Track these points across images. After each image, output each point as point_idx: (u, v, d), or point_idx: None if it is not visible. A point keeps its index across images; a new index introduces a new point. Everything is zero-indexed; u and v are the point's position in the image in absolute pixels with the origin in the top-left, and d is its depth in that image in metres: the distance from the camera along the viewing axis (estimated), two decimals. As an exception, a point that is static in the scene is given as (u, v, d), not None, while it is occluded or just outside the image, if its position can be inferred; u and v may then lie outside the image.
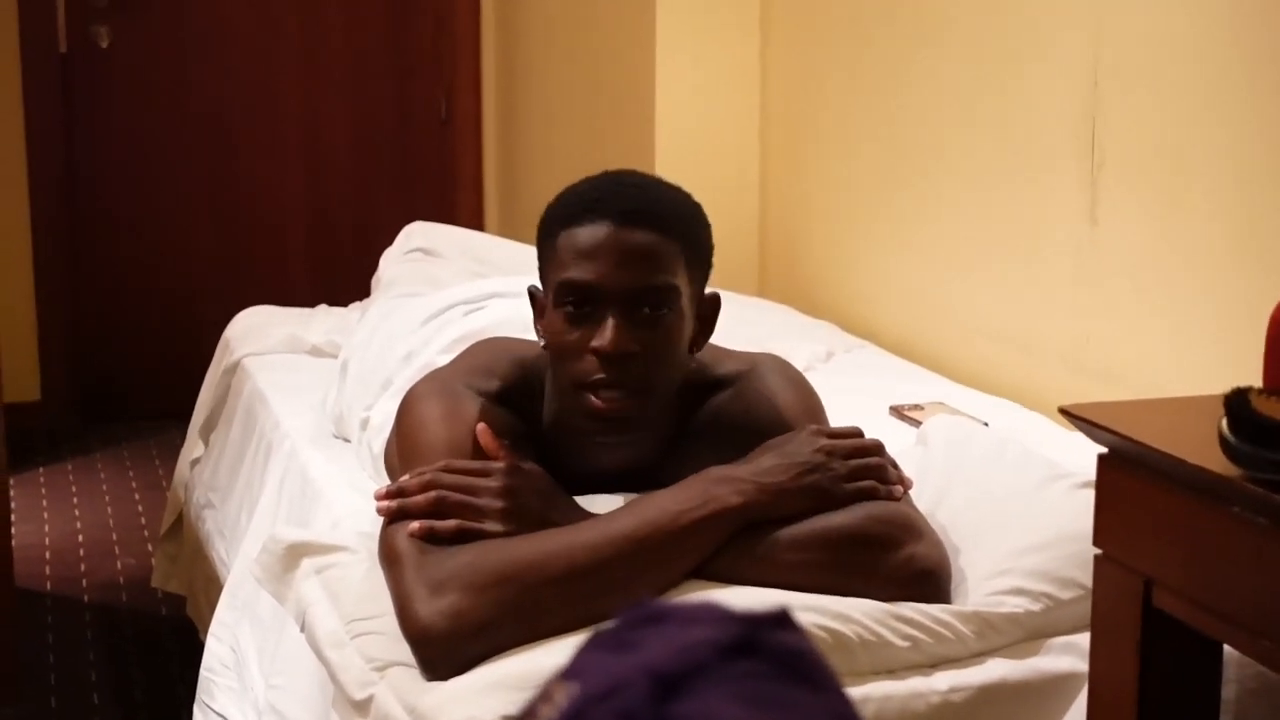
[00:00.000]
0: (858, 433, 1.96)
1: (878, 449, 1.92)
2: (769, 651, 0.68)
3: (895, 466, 1.94)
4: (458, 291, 2.70)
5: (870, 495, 1.86)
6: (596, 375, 1.85)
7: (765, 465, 1.86)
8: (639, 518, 1.79)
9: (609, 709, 0.60)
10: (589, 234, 1.87)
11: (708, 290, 1.98)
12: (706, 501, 1.81)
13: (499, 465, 1.86)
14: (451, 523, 1.80)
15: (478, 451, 1.90)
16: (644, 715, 0.59)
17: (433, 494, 1.81)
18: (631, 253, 1.86)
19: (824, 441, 1.89)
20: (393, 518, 1.82)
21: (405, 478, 1.86)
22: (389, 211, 5.32)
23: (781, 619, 0.71)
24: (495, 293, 2.63)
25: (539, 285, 1.98)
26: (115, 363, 5.20)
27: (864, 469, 1.88)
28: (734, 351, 2.13)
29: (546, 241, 1.92)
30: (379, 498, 1.85)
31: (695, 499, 1.81)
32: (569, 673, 0.69)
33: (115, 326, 5.20)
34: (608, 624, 0.72)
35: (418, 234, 3.30)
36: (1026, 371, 3.00)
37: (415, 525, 1.79)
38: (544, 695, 0.69)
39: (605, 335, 1.84)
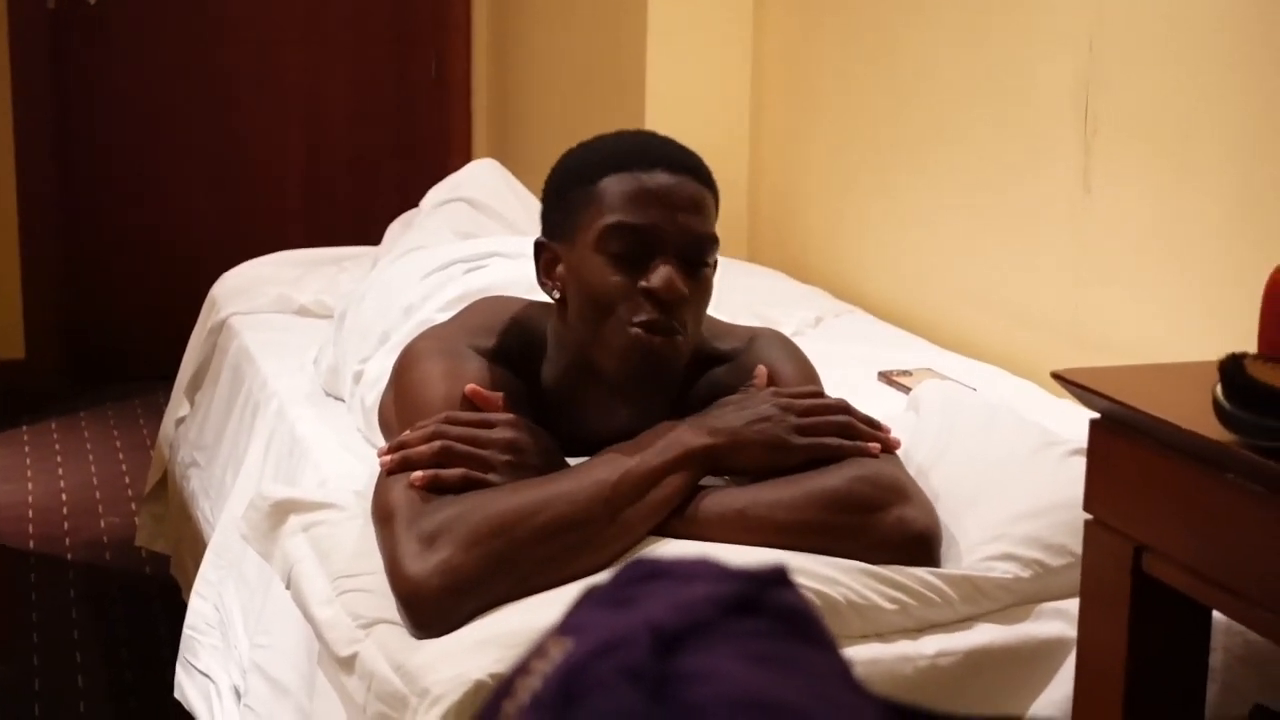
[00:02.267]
0: (820, 393, 1.96)
1: (841, 408, 1.92)
2: (770, 609, 0.67)
3: (876, 426, 1.94)
4: (459, 248, 2.69)
5: (829, 450, 1.87)
6: (646, 316, 1.85)
7: (719, 413, 1.89)
8: (610, 466, 1.81)
9: (610, 664, 0.59)
10: (645, 180, 1.87)
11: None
12: (669, 445, 1.83)
13: (503, 417, 1.86)
14: (457, 471, 1.79)
15: (476, 410, 1.89)
16: (646, 670, 0.58)
17: (437, 444, 1.81)
18: (689, 201, 1.88)
19: (780, 399, 1.91)
20: (395, 469, 1.80)
21: (407, 433, 1.85)
22: (383, 172, 5.31)
23: (780, 576, 0.71)
24: (496, 252, 2.62)
25: (544, 238, 1.97)
26: (102, 321, 5.17)
27: (824, 424, 1.89)
28: (734, 325, 2.14)
29: (578, 188, 1.91)
30: (381, 454, 1.84)
31: (659, 445, 1.83)
32: (565, 628, 0.68)
33: (103, 285, 5.17)
34: (602, 580, 0.72)
35: (475, 180, 3.27)
36: (1017, 339, 3.00)
37: (419, 474, 1.78)
38: (538, 651, 0.68)
39: (661, 279, 1.84)
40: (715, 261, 1.93)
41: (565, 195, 1.93)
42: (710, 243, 1.90)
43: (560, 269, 1.93)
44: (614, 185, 1.88)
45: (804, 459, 1.87)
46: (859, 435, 1.90)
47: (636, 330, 1.85)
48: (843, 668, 0.67)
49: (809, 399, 1.92)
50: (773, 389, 1.95)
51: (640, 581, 0.68)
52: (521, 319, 2.04)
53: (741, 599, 0.66)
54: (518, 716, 0.64)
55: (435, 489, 1.78)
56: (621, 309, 1.86)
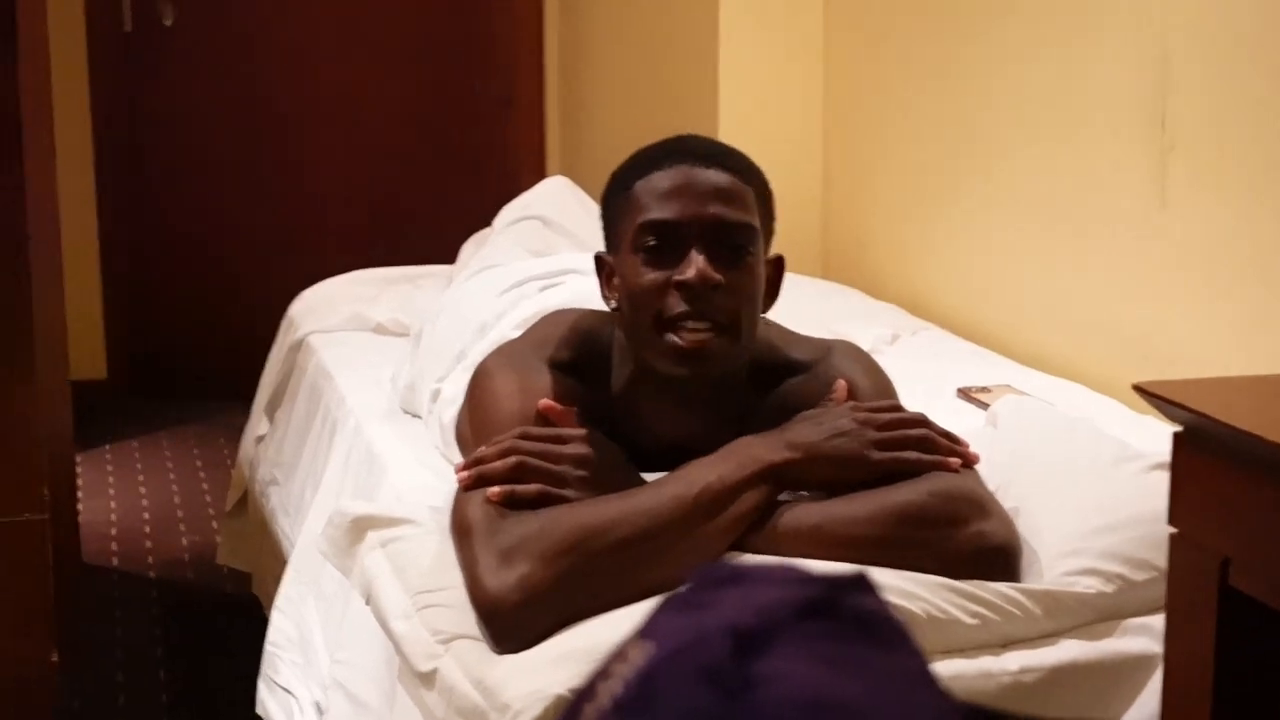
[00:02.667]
0: (898, 407, 1.94)
1: (919, 421, 1.90)
2: (847, 613, 0.66)
3: (955, 440, 1.92)
4: (534, 265, 2.70)
5: (908, 464, 1.85)
6: (680, 309, 1.85)
7: (797, 428, 1.88)
8: (687, 482, 1.80)
9: (688, 665, 0.59)
10: (668, 176, 1.89)
11: (771, 254, 1.98)
12: (745, 463, 1.82)
13: (576, 432, 1.86)
14: (533, 486, 1.80)
15: (549, 425, 1.90)
16: (725, 671, 0.58)
17: (513, 459, 1.82)
18: (712, 189, 1.89)
19: (859, 414, 1.89)
20: (472, 485, 1.81)
21: (482, 449, 1.85)
22: (452, 194, 5.33)
23: (860, 582, 0.70)
24: (572, 268, 2.63)
25: (604, 252, 1.99)
26: (183, 341, 5.23)
27: (903, 439, 1.87)
28: (809, 337, 2.13)
29: (618, 197, 1.94)
30: (458, 470, 1.85)
31: (736, 460, 1.83)
32: (644, 632, 0.68)
33: (183, 307, 5.22)
34: (681, 588, 0.71)
35: (547, 198, 3.28)
36: (1093, 355, 2.97)
37: (495, 490, 1.79)
38: (618, 655, 0.68)
39: (691, 268, 1.85)
40: (759, 249, 1.91)
41: (610, 207, 1.97)
42: (745, 229, 1.89)
43: (616, 280, 1.94)
44: (645, 186, 1.91)
45: (882, 474, 1.86)
46: (938, 449, 1.89)
47: (670, 335, 1.86)
48: (920, 671, 0.67)
49: (887, 413, 1.91)
50: (851, 403, 1.94)
51: (717, 586, 0.68)
52: (587, 329, 2.05)
53: (818, 603, 0.66)
54: (597, 719, 0.64)
55: (511, 504, 1.78)
56: (658, 306, 1.87)
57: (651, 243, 1.88)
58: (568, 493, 1.81)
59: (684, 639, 0.62)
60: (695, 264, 1.85)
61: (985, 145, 3.34)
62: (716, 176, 1.89)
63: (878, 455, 1.86)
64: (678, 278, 1.86)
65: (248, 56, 5.18)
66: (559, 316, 2.14)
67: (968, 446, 1.93)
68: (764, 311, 1.97)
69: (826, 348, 2.07)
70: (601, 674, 0.67)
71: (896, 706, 0.59)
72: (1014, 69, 3.21)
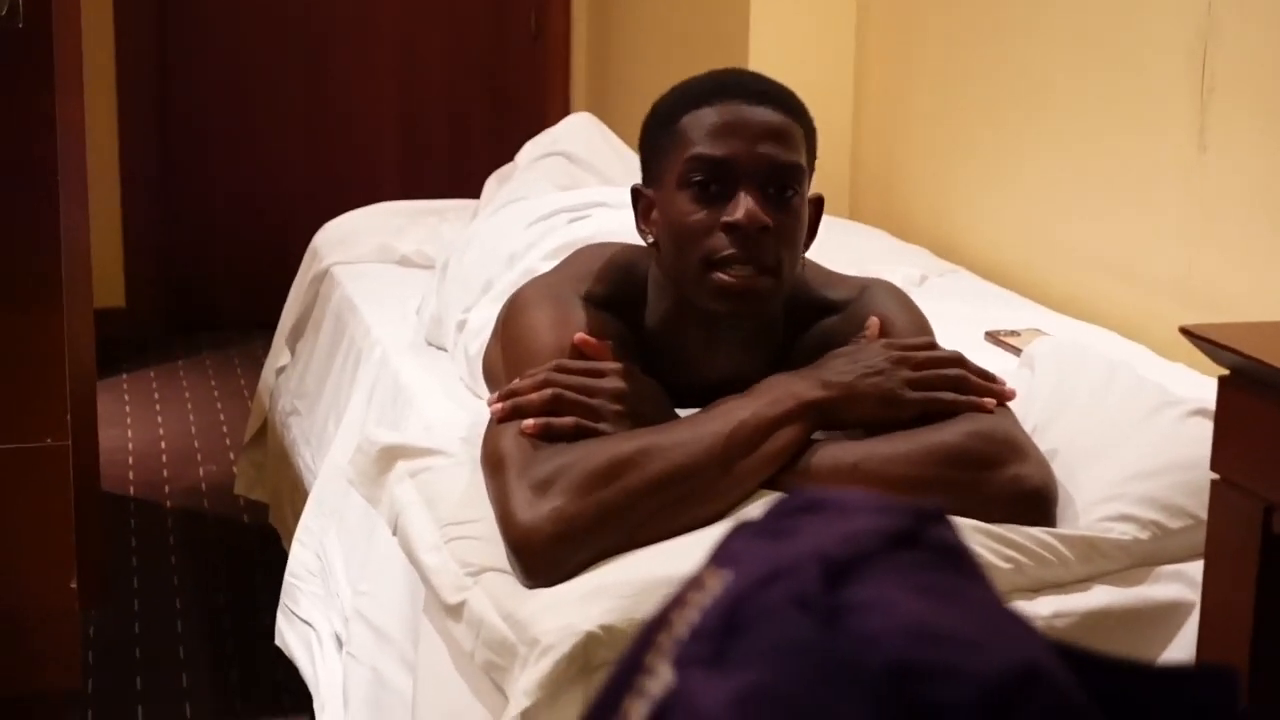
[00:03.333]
0: (934, 345, 1.92)
1: (956, 360, 1.89)
2: (934, 544, 0.64)
3: (990, 379, 1.90)
4: (563, 198, 2.67)
5: (942, 405, 1.83)
6: (727, 251, 1.83)
7: (832, 365, 1.86)
8: (724, 417, 1.79)
9: (778, 592, 0.57)
10: (721, 112, 1.85)
11: (811, 192, 1.95)
12: (782, 398, 1.81)
13: (613, 366, 1.84)
14: (569, 419, 1.78)
15: (585, 359, 1.87)
16: (816, 599, 0.56)
17: (549, 392, 1.79)
18: (766, 130, 1.85)
19: (894, 352, 1.87)
20: (506, 417, 1.79)
21: (517, 380, 1.83)
22: (480, 127, 5.30)
23: (939, 514, 0.68)
24: (600, 201, 2.60)
25: (640, 185, 1.96)
26: (201, 272, 5.21)
27: (937, 378, 1.85)
28: (845, 275, 2.11)
29: (664, 129, 1.90)
30: (492, 402, 1.83)
31: (772, 397, 1.81)
32: (720, 560, 0.66)
33: (203, 237, 5.21)
34: (755, 514, 0.69)
35: (572, 134, 3.25)
36: (1127, 300, 2.94)
37: (530, 422, 1.77)
38: (694, 584, 0.66)
39: (740, 210, 1.82)
40: (804, 190, 1.89)
41: (653, 139, 1.93)
42: (795, 170, 1.86)
43: (655, 214, 1.92)
44: (693, 121, 1.86)
45: (917, 413, 1.84)
46: (973, 388, 1.87)
47: (717, 273, 1.83)
48: (1003, 603, 0.65)
49: (923, 351, 1.89)
50: (885, 340, 1.91)
51: (798, 513, 0.66)
52: (623, 263, 2.02)
53: (905, 532, 0.64)
54: (675, 649, 0.62)
55: (547, 437, 1.76)
56: (705, 245, 1.84)
57: (699, 179, 1.85)
58: (604, 426, 1.79)
59: (768, 566, 0.60)
60: (745, 206, 1.82)
61: (1019, 87, 3.30)
62: (768, 115, 1.86)
63: (912, 394, 1.85)
64: (726, 219, 1.82)
65: (274, -6, 5.14)
66: (594, 250, 2.11)
67: (1004, 384, 1.90)
68: (804, 251, 1.94)
69: (862, 286, 2.04)
70: (677, 602, 0.65)
71: (996, 635, 0.57)
72: (1052, 9, 3.17)
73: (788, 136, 1.86)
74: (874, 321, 1.95)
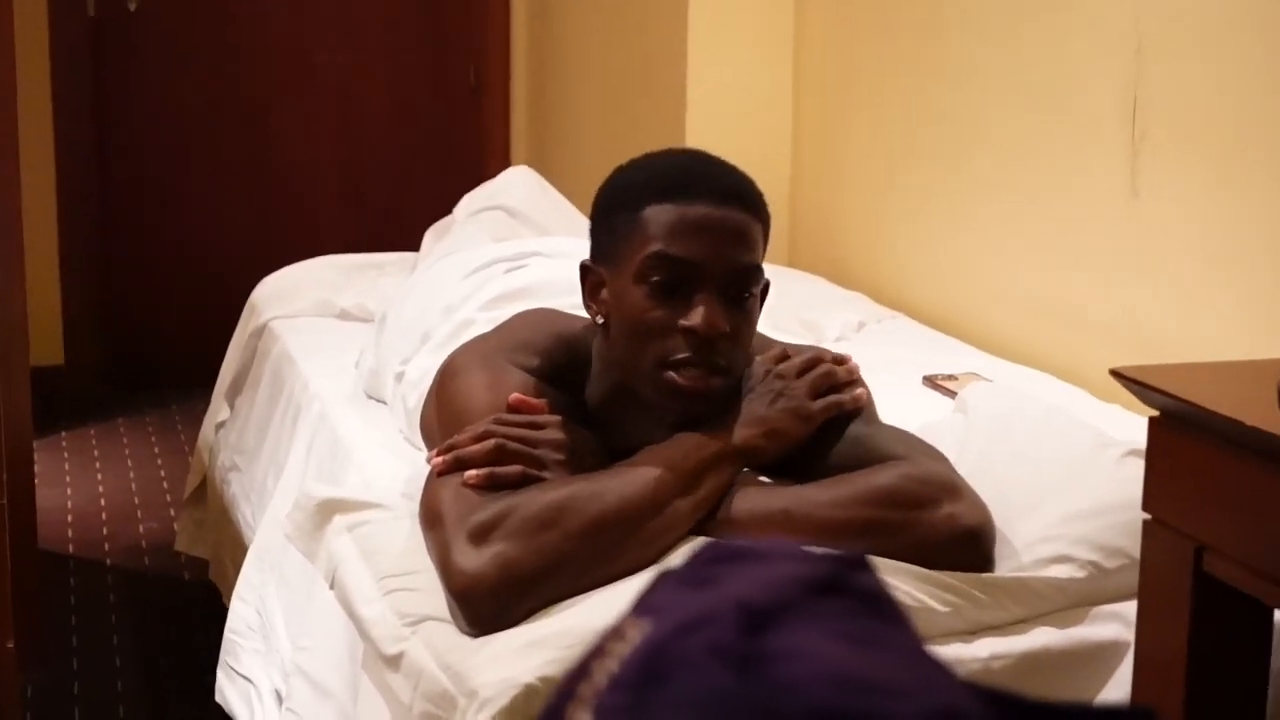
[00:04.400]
0: (792, 354, 1.95)
1: (817, 359, 1.93)
2: (856, 591, 0.65)
3: (842, 361, 1.95)
4: (499, 248, 2.68)
5: (843, 406, 1.89)
6: (682, 354, 1.82)
7: (746, 408, 1.88)
8: (654, 463, 1.80)
9: (696, 642, 0.57)
10: (687, 212, 1.83)
11: None
12: (709, 441, 1.83)
13: (551, 419, 1.84)
14: (515, 468, 1.78)
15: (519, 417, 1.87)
16: (735, 648, 0.56)
17: (491, 443, 1.79)
18: (730, 233, 1.83)
19: (778, 370, 1.91)
20: (447, 470, 1.79)
21: (456, 435, 1.83)
22: (420, 179, 5.31)
23: (861, 561, 0.69)
24: (536, 251, 2.61)
25: (589, 260, 1.93)
26: (141, 328, 5.18)
27: (820, 379, 1.90)
28: (780, 342, 2.11)
29: (624, 214, 1.87)
30: (432, 457, 1.83)
31: (699, 441, 1.83)
32: (642, 609, 0.66)
33: (141, 292, 5.18)
34: (677, 563, 0.70)
35: (512, 188, 3.25)
36: (1062, 343, 2.97)
37: (474, 473, 1.77)
38: (614, 634, 0.66)
39: (699, 315, 1.81)
40: (760, 290, 1.89)
41: (610, 220, 1.90)
42: (754, 272, 1.86)
43: (605, 294, 1.90)
44: (658, 215, 1.84)
45: (825, 419, 1.89)
46: (838, 379, 1.91)
47: (670, 373, 1.83)
48: (925, 649, 0.65)
49: (792, 360, 1.92)
50: (771, 368, 1.93)
51: (720, 562, 0.67)
52: (567, 337, 2.01)
53: (826, 580, 0.64)
54: (594, 699, 0.62)
55: (492, 487, 1.76)
56: (661, 345, 1.83)
57: (658, 278, 1.83)
58: (548, 474, 1.80)
59: (687, 616, 0.60)
60: (704, 313, 1.81)
61: (955, 134, 3.33)
62: (734, 217, 1.83)
63: (816, 404, 1.89)
64: (685, 323, 1.81)
65: (213, 43, 5.13)
66: (531, 318, 2.10)
67: (849, 359, 1.96)
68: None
69: (799, 351, 2.04)
70: (597, 652, 0.65)
71: (917, 681, 0.58)
72: (985, 59, 3.20)
73: (749, 237, 1.85)
74: (771, 354, 1.95)
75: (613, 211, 1.90)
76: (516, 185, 3.28)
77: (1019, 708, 0.65)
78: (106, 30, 5.01)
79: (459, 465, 1.79)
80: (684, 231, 1.82)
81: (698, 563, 0.67)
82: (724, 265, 1.82)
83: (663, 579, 0.69)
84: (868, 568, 0.69)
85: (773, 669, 0.55)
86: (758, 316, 1.91)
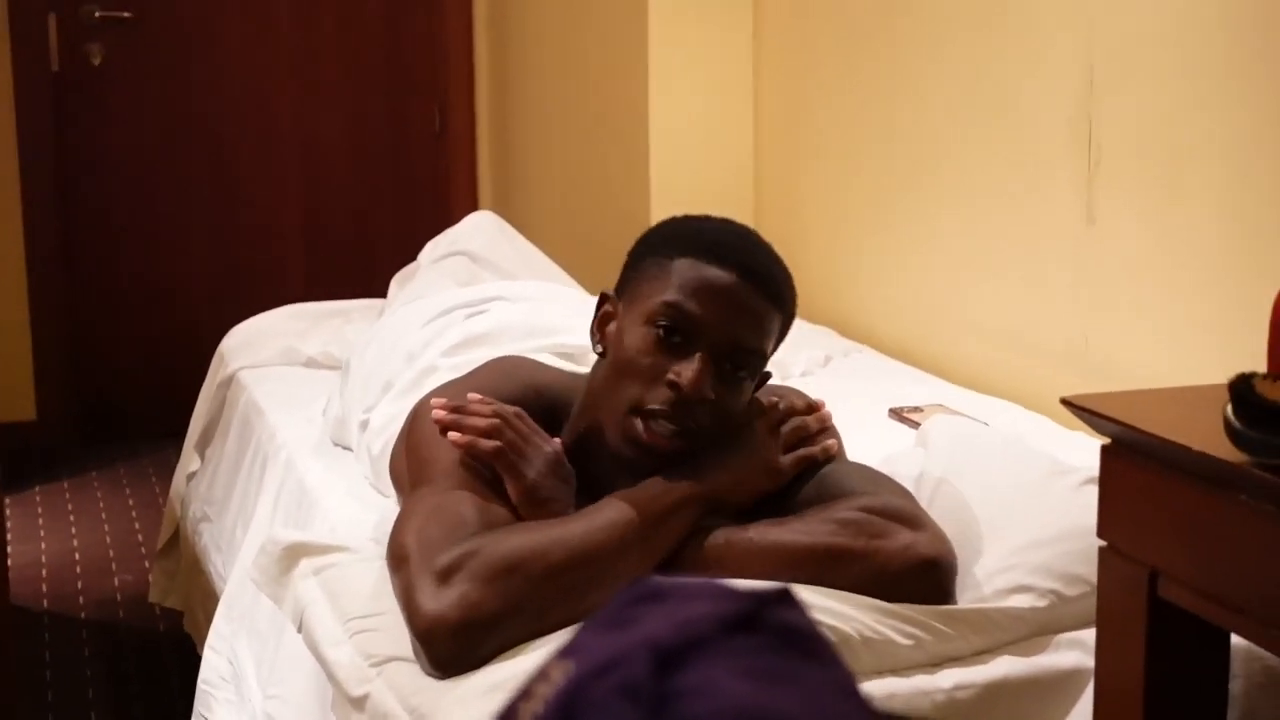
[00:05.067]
0: (773, 406, 1.97)
1: (791, 411, 1.95)
2: (771, 627, 0.66)
3: (815, 408, 1.97)
4: (460, 294, 2.69)
5: (812, 461, 1.92)
6: (659, 406, 1.84)
7: (717, 453, 1.90)
8: (618, 508, 1.82)
9: (609, 683, 0.59)
10: (712, 274, 1.86)
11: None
12: (671, 489, 1.84)
13: (555, 441, 1.90)
14: (494, 443, 1.84)
15: (489, 467, 1.88)
16: (644, 688, 0.58)
17: (496, 421, 1.86)
18: (747, 310, 1.86)
19: (759, 422, 1.93)
20: (447, 425, 1.86)
21: (473, 396, 1.90)
22: (385, 224, 5.32)
23: (783, 596, 0.70)
24: (498, 296, 2.62)
25: (611, 292, 1.97)
26: (111, 381, 5.18)
27: (791, 434, 1.93)
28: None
29: (655, 257, 1.91)
30: (438, 406, 1.89)
31: (662, 488, 1.84)
32: (566, 652, 0.67)
33: (111, 345, 5.18)
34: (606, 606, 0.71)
35: (474, 233, 3.26)
36: (1026, 372, 2.98)
37: (456, 435, 1.84)
38: (541, 675, 0.67)
39: (690, 372, 1.83)
40: (755, 375, 1.91)
41: (643, 257, 1.93)
42: (755, 357, 1.88)
43: (612, 327, 1.93)
44: (685, 268, 1.87)
45: (795, 473, 1.91)
46: (808, 430, 1.94)
47: (636, 421, 1.85)
48: (845, 683, 0.66)
49: (765, 416, 1.94)
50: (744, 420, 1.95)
51: (641, 603, 0.68)
52: (538, 386, 2.03)
53: (741, 617, 0.65)
54: (519, 741, 0.63)
55: (468, 457, 1.83)
56: (641, 389, 1.85)
57: (665, 324, 1.85)
58: (528, 470, 1.84)
59: (604, 656, 0.62)
60: (695, 370, 1.83)
61: (913, 166, 3.35)
62: (753, 297, 1.86)
63: (787, 459, 1.91)
64: (673, 376, 1.84)
65: (176, 95, 5.14)
66: (505, 366, 2.11)
67: (822, 406, 1.99)
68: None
69: (770, 394, 2.06)
70: (524, 695, 0.67)
71: (821, 716, 0.59)
72: (945, 92, 3.23)
73: (764, 324, 1.88)
74: (756, 401, 1.97)
75: (647, 252, 1.94)
76: (479, 230, 3.29)
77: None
78: (70, 84, 5.02)
79: (458, 426, 1.86)
80: (705, 291, 1.85)
81: (620, 603, 0.68)
82: (730, 336, 1.85)
83: (591, 621, 0.70)
84: (792, 603, 0.70)
85: (677, 707, 0.56)
86: (745, 400, 1.92)
